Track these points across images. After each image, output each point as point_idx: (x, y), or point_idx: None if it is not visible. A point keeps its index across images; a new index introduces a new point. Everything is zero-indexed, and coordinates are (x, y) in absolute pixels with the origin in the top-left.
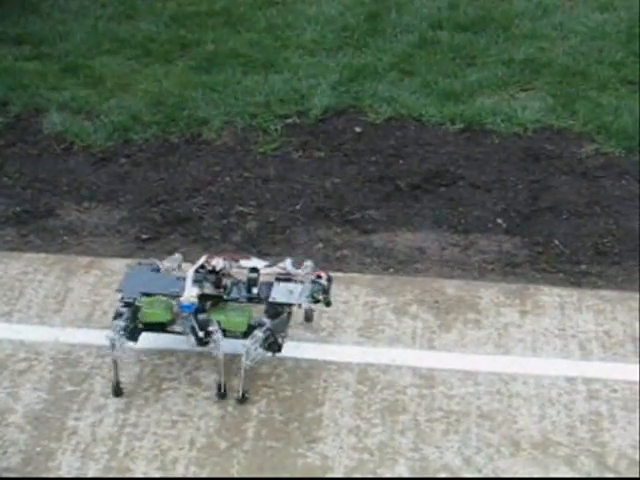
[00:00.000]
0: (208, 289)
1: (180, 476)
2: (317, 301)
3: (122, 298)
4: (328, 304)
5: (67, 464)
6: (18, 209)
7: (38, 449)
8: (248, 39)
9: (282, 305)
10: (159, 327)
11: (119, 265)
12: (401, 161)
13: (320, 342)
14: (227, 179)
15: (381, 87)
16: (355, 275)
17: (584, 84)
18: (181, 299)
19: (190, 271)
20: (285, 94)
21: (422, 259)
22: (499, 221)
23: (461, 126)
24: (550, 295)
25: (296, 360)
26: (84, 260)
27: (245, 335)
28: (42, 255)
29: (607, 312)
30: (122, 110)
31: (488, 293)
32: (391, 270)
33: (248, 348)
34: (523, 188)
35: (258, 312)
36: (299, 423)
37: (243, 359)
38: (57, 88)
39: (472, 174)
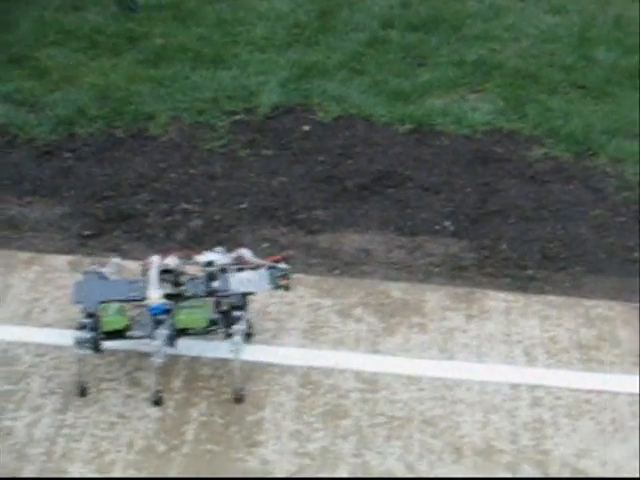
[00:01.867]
0: (167, 289)
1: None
2: (278, 287)
3: (84, 309)
4: (286, 289)
5: (2, 465)
6: None
7: None
8: (197, 34)
9: (244, 295)
10: (117, 335)
11: (60, 261)
12: (349, 161)
13: (263, 344)
14: (172, 175)
15: (330, 85)
16: (300, 276)
17: (534, 87)
18: (149, 302)
19: (152, 272)
20: (233, 90)
21: (368, 261)
22: (447, 224)
23: (410, 127)
24: (496, 300)
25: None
26: (25, 256)
27: (207, 332)
28: None
29: (553, 318)
30: (67, 103)
31: (434, 297)
32: (337, 272)
33: (237, 345)
34: (471, 191)
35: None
36: (239, 426)
37: (233, 356)
38: (1, 79)
39: (421, 176)
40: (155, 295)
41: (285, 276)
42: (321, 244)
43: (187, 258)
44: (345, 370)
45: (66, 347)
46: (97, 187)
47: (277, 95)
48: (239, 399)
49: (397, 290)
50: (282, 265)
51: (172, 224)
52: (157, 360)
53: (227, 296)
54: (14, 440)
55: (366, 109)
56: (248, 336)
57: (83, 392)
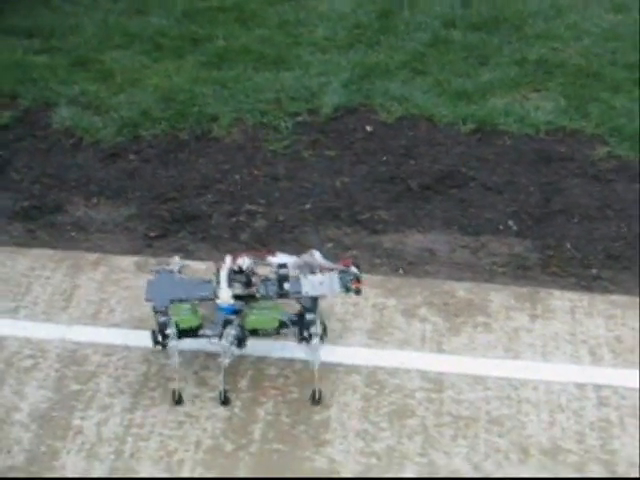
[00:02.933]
0: (238, 289)
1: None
2: (349, 290)
3: (154, 308)
4: (358, 292)
5: (72, 464)
6: (26, 204)
7: (43, 448)
8: (259, 35)
9: (315, 298)
10: (191, 333)
11: (127, 262)
12: (412, 161)
13: (329, 344)
14: (236, 177)
15: (393, 86)
16: (364, 276)
17: (597, 86)
18: (218, 301)
19: (223, 272)
20: (296, 91)
21: (432, 261)
22: (510, 223)
23: (473, 126)
24: (561, 299)
25: (304, 362)
26: (92, 257)
27: (277, 332)
28: (49, 251)
29: (618, 317)
30: (132, 105)
31: (498, 296)
32: (401, 271)
33: (315, 348)
34: (535, 190)
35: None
36: (306, 426)
37: (311, 359)
38: (67, 82)
39: (483, 175)
40: (225, 295)
41: (356, 280)
42: (385, 244)
43: (260, 259)
44: (410, 370)
45: (133, 347)
46: (162, 189)
47: (339, 96)
48: (318, 401)
49: (461, 290)
50: (353, 269)
51: (236, 225)
52: (224, 360)
53: (298, 299)
54: (84, 439)
55: (428, 109)
56: (321, 338)
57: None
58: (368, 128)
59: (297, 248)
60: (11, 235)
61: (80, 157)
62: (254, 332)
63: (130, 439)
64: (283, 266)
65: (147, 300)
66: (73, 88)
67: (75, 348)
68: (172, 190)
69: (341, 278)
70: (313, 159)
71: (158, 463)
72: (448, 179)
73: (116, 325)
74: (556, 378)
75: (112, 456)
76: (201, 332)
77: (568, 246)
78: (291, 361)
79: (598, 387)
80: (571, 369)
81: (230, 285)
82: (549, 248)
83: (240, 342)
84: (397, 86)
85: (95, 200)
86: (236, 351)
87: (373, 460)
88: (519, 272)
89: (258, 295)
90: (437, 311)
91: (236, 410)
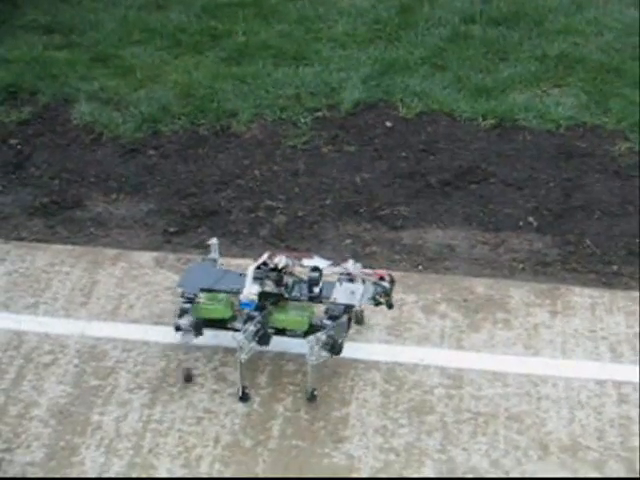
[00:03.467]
0: (269, 287)
1: (205, 475)
2: (378, 303)
3: (183, 294)
4: (390, 306)
5: (91, 459)
6: (45, 200)
7: (62, 444)
8: (279, 31)
9: (343, 306)
10: (219, 324)
11: (146, 258)
12: (432, 157)
13: (348, 340)
14: (256, 172)
15: (412, 81)
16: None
17: (618, 81)
18: (241, 297)
19: (250, 268)
20: (315, 87)
21: (452, 257)
22: (530, 219)
23: (493, 122)
24: (581, 296)
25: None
26: (111, 252)
27: (306, 335)
28: (69, 247)
29: (638, 314)
30: (151, 101)
31: (518, 292)
32: (420, 267)
33: (311, 345)
34: (555, 186)
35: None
36: (325, 422)
37: (308, 356)
38: (86, 78)
39: (503, 171)
40: (247, 291)
41: (386, 293)
42: (404, 240)
43: (296, 260)
44: (429, 366)
45: (152, 343)
46: (181, 184)
47: (359, 91)
48: (311, 399)
49: (481, 286)
50: (385, 283)
51: (256, 221)
52: (241, 355)
53: (328, 304)
54: (102, 434)
55: (448, 105)
56: (332, 348)
57: (189, 378)
58: (388, 124)
59: (316, 244)
60: (31, 231)
61: (99, 153)
62: (281, 331)
63: (149, 435)
64: (316, 269)
65: (178, 287)
66: (93, 84)
67: (94, 344)
68: (191, 186)
69: (374, 290)
70: (332, 155)
71: (177, 459)
72: (468, 175)
73: (135, 321)
74: (576, 375)
75: (131, 452)
76: (230, 325)
77: (588, 242)
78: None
79: (618, 384)
80: (591, 366)
81: (261, 282)
82: (569, 244)
83: (262, 339)
84: (417, 82)
85: (114, 196)
86: (256, 347)
87: (392, 456)
88: (539, 268)
89: (286, 295)
90: (457, 307)
91: (255, 406)
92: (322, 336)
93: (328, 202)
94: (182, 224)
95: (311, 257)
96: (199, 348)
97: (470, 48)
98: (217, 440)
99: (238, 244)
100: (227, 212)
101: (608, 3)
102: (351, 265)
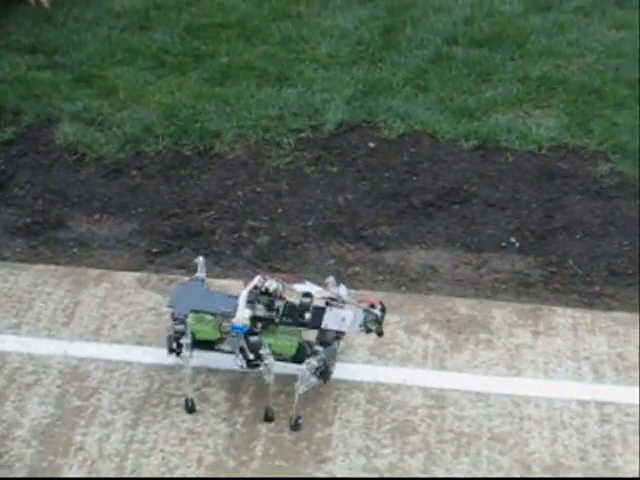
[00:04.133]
0: (260, 311)
1: None
2: (369, 330)
3: (173, 315)
4: (380, 334)
5: None
6: (28, 220)
7: (44, 464)
8: (262, 52)
9: (334, 332)
10: (207, 345)
11: (129, 278)
12: (414, 178)
13: None
14: (239, 193)
15: (395, 102)
16: (367, 292)
17: (600, 102)
18: (233, 320)
19: (244, 292)
20: (299, 108)
21: (434, 277)
22: (512, 240)
23: (475, 143)
24: (563, 316)
25: None
26: (94, 273)
27: (294, 359)
28: (52, 267)
29: (620, 334)
30: (134, 122)
31: (500, 313)
32: (403, 288)
33: (303, 374)
34: (537, 207)
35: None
36: (308, 442)
37: (297, 384)
38: (70, 98)
39: (486, 192)
40: (240, 315)
41: (377, 321)
42: (387, 260)
43: (287, 284)
44: (412, 386)
45: (135, 363)
46: (165, 205)
47: (342, 112)
48: (295, 427)
49: (464, 306)
50: (376, 310)
51: (239, 241)
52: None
53: (321, 331)
54: (85, 455)
55: (431, 126)
56: (322, 374)
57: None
58: (371, 144)
59: (299, 265)
60: (13, 251)
61: (83, 173)
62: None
63: (132, 455)
64: (307, 295)
65: (168, 306)
66: (76, 104)
67: (77, 364)
68: (175, 206)
69: (364, 317)
70: (316, 175)
71: None
72: (450, 196)
73: (118, 341)
74: (558, 395)
75: (113, 472)
76: (217, 346)
77: (570, 263)
78: (292, 378)
79: (600, 404)
80: (573, 386)
81: (253, 306)
82: (551, 265)
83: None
84: (400, 103)
85: (97, 216)
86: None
87: (375, 476)
88: (521, 289)
89: (277, 320)
90: (439, 328)
91: (238, 426)
92: (313, 361)
93: (311, 223)
94: (165, 244)
95: (303, 282)
96: (182, 368)
97: (452, 69)
98: (200, 461)
99: (221, 264)
100: (210, 232)
101: (590, 25)
102: (343, 291)
